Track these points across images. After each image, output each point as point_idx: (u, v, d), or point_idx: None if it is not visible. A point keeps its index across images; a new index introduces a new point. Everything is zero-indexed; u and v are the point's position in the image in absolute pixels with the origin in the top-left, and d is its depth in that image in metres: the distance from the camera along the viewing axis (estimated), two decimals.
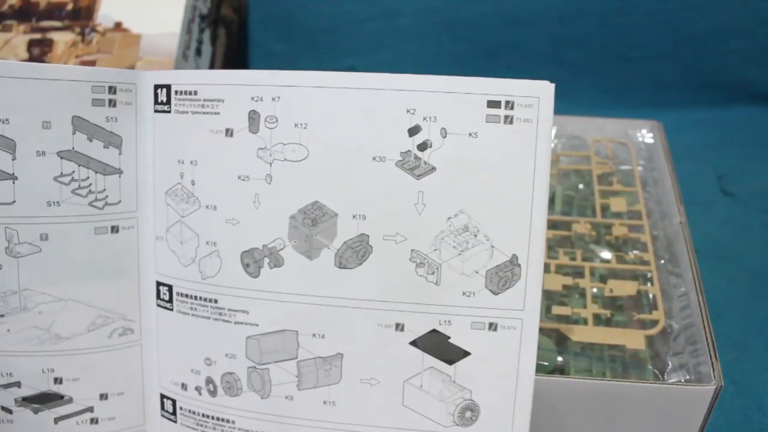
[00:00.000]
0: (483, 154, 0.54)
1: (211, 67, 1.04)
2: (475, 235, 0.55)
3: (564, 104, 1.03)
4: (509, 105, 0.53)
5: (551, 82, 0.53)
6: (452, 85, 0.54)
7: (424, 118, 0.54)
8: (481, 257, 0.55)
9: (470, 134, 0.54)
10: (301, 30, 1.20)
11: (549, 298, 0.71)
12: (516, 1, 1.16)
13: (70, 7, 0.94)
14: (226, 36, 1.11)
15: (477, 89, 0.54)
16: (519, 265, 0.55)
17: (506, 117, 0.54)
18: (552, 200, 0.83)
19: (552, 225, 0.79)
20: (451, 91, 0.54)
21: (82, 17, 0.93)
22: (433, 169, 0.55)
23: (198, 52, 0.99)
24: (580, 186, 0.85)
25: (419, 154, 0.55)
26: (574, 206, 0.82)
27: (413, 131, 0.55)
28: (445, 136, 0.54)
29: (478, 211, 0.55)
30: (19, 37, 0.91)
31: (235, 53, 1.17)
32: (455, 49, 1.19)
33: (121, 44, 0.91)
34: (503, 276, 0.55)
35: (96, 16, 0.93)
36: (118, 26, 0.92)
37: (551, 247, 0.76)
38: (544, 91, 0.53)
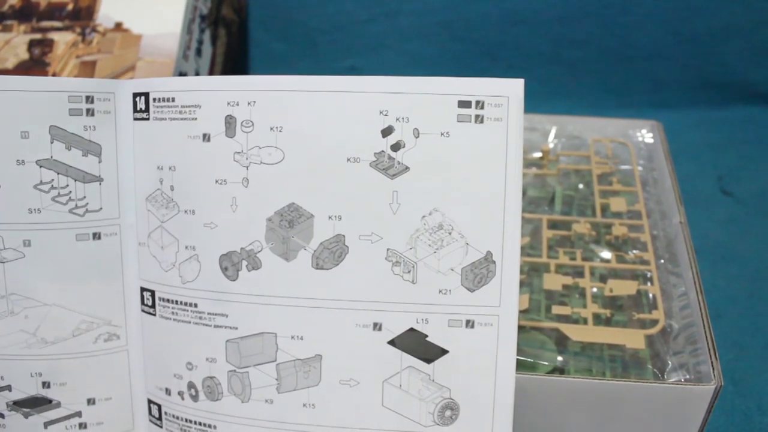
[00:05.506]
0: (455, 153, 0.55)
1: (212, 67, 1.04)
2: (450, 233, 0.55)
3: (564, 104, 1.04)
4: (479, 105, 0.54)
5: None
6: (423, 86, 0.55)
7: (397, 119, 0.55)
8: (456, 255, 0.56)
9: (442, 134, 0.55)
10: (301, 30, 1.20)
11: (549, 297, 0.70)
12: (516, 1, 1.16)
13: (70, 7, 0.94)
14: (227, 36, 1.11)
15: (448, 89, 0.54)
16: (494, 262, 0.55)
17: (477, 116, 0.54)
18: (552, 200, 0.83)
19: (552, 225, 0.79)
20: (423, 92, 0.55)
21: (82, 17, 0.94)
22: (407, 168, 0.55)
23: (198, 52, 0.99)
24: (580, 186, 0.85)
25: (393, 154, 0.55)
26: (574, 206, 0.82)
27: (386, 132, 0.55)
28: (417, 137, 0.55)
29: (452, 209, 0.55)
30: (20, 37, 0.92)
31: (235, 53, 1.17)
32: (455, 49, 1.19)
33: (122, 44, 0.91)
34: (478, 273, 0.55)
35: (96, 16, 0.93)
36: (118, 26, 0.93)
37: (551, 247, 0.76)
38: (513, 89, 0.54)
